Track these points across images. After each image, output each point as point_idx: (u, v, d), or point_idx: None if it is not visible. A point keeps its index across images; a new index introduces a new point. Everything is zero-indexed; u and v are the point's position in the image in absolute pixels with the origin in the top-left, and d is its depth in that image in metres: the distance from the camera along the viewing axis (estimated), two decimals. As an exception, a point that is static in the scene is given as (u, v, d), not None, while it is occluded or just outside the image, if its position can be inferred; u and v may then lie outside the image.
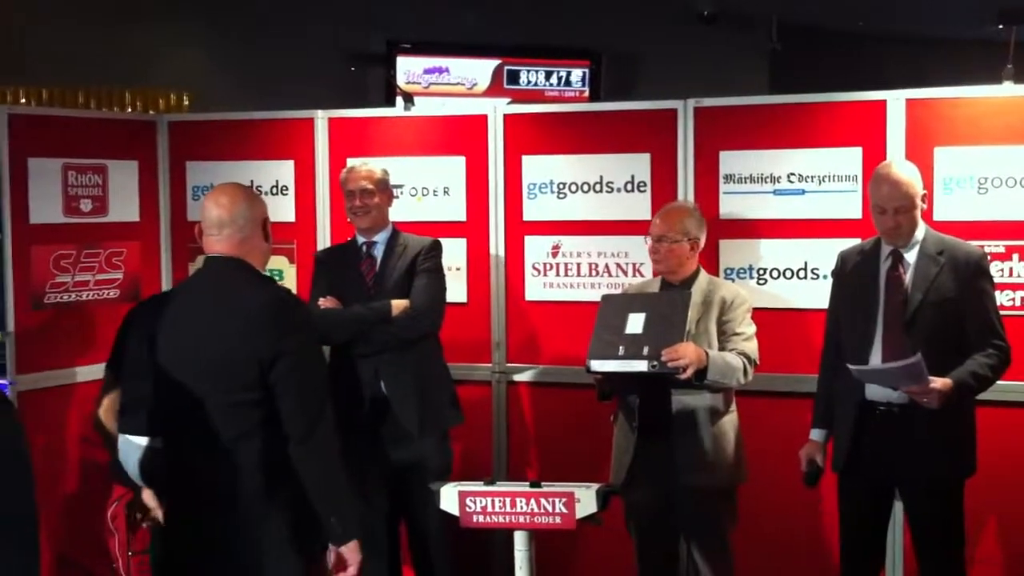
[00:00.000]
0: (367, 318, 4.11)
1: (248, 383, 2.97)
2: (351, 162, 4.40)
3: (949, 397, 3.52)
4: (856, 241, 4.10)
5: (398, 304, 4.13)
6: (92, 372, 4.76)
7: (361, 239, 4.32)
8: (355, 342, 4.14)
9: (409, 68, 8.15)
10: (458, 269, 4.75)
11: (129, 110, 6.98)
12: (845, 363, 3.66)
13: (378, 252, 4.28)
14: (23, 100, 6.72)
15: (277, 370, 2.95)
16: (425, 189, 4.85)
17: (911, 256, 3.73)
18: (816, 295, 4.28)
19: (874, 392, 3.69)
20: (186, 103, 7.33)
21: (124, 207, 5.00)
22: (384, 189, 4.30)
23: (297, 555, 3.03)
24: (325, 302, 4.19)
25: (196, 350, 3.02)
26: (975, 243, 3.87)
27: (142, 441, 3.65)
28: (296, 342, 3.01)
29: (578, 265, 4.69)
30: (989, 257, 3.83)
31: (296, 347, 3.00)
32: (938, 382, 3.52)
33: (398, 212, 4.58)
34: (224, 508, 3.00)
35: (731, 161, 4.48)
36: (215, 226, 3.10)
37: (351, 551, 3.03)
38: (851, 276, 3.85)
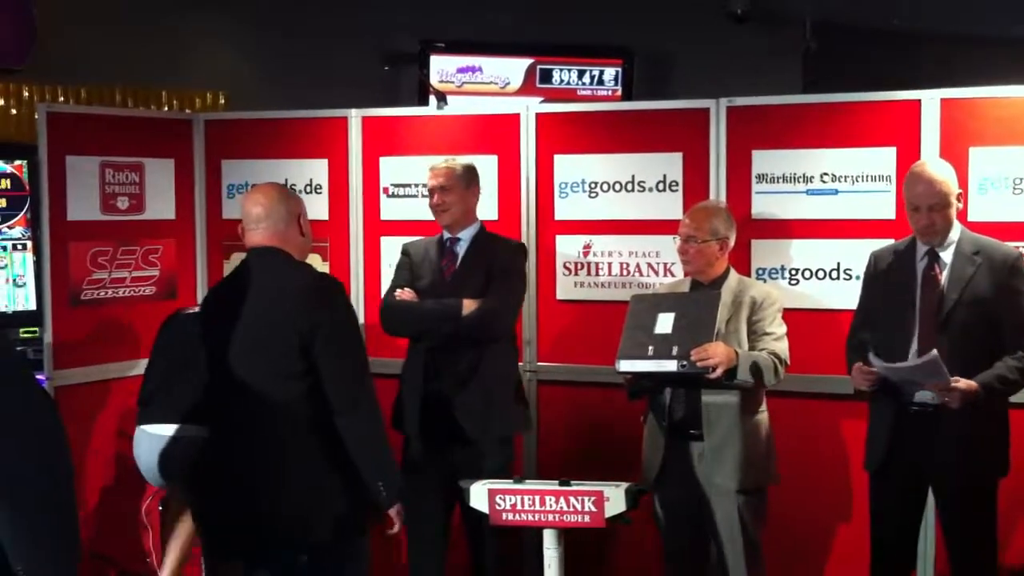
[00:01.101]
0: (437, 315, 4.08)
1: (292, 358, 3.21)
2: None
3: (973, 398, 3.51)
4: (889, 242, 4.08)
5: (469, 304, 4.07)
6: (127, 368, 4.82)
7: (446, 234, 4.28)
8: (424, 337, 4.14)
9: (442, 67, 8.16)
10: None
11: (166, 109, 7.04)
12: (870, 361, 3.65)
13: (460, 249, 4.24)
14: (61, 99, 6.79)
15: (317, 344, 3.21)
16: (457, 188, 4.85)
17: (947, 256, 3.72)
18: (848, 296, 4.25)
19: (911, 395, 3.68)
20: (222, 102, 7.38)
21: (160, 205, 5.05)
22: (467, 186, 4.25)
23: (345, 504, 3.27)
24: (402, 294, 4.18)
25: (243, 330, 3.28)
26: (1012, 244, 3.85)
27: (165, 431, 3.76)
28: (332, 317, 3.27)
29: (609, 265, 4.70)
30: (1024, 258, 3.80)
31: (333, 321, 3.26)
32: (962, 383, 3.51)
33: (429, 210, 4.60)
34: (272, 467, 3.24)
35: (764, 160, 4.47)
36: (254, 221, 3.38)
37: (396, 513, 3.33)
38: (886, 275, 3.84)
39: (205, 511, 3.54)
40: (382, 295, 4.42)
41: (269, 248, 3.36)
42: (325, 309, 3.28)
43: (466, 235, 4.26)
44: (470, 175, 4.28)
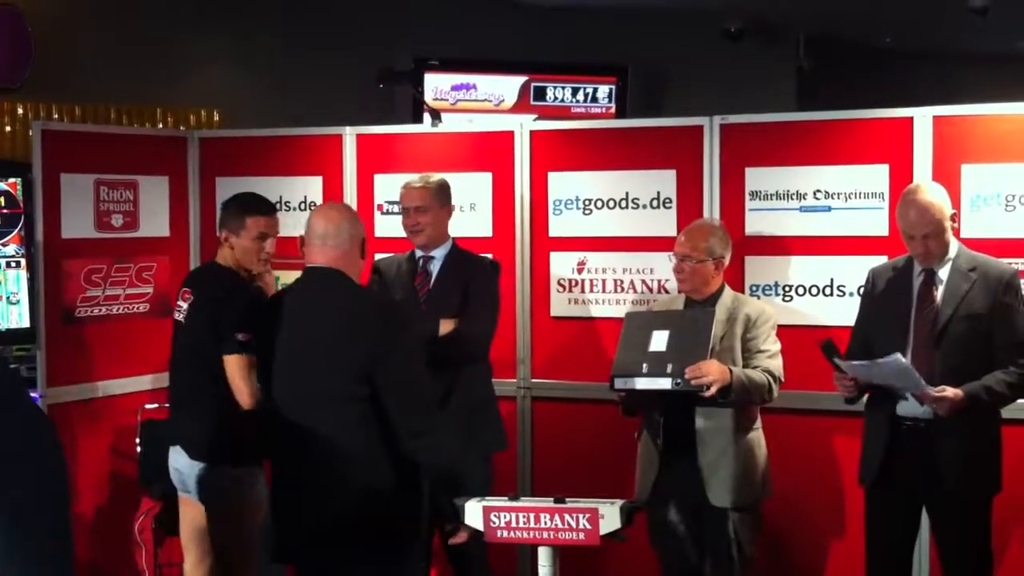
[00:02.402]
0: None
1: (357, 380, 3.19)
2: (407, 178, 4.34)
3: (959, 406, 3.54)
4: (883, 258, 4.09)
5: (446, 324, 4.04)
6: (121, 386, 4.82)
7: (419, 252, 4.25)
8: None
9: (437, 85, 8.19)
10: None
11: (160, 126, 7.06)
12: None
13: (434, 268, 4.20)
14: (56, 116, 6.80)
15: (385, 368, 3.18)
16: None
17: (943, 272, 3.73)
18: (842, 312, 4.27)
19: (903, 408, 3.69)
20: (216, 120, 7.40)
21: (155, 222, 5.05)
22: (442, 204, 4.22)
23: (404, 526, 3.31)
24: None
25: (306, 353, 3.27)
26: (1007, 261, 3.86)
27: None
28: (401, 341, 3.26)
29: (603, 281, 4.70)
30: (1020, 275, 3.81)
31: (401, 346, 3.25)
32: (948, 391, 3.52)
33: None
34: (326, 493, 3.24)
35: (757, 178, 4.48)
36: (319, 237, 3.34)
37: (465, 528, 3.33)
38: (883, 293, 3.85)
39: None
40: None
41: (330, 269, 3.32)
42: (395, 335, 3.26)
43: (439, 253, 4.22)
44: (445, 193, 4.25)
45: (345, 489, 3.24)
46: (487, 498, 3.47)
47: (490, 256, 4.55)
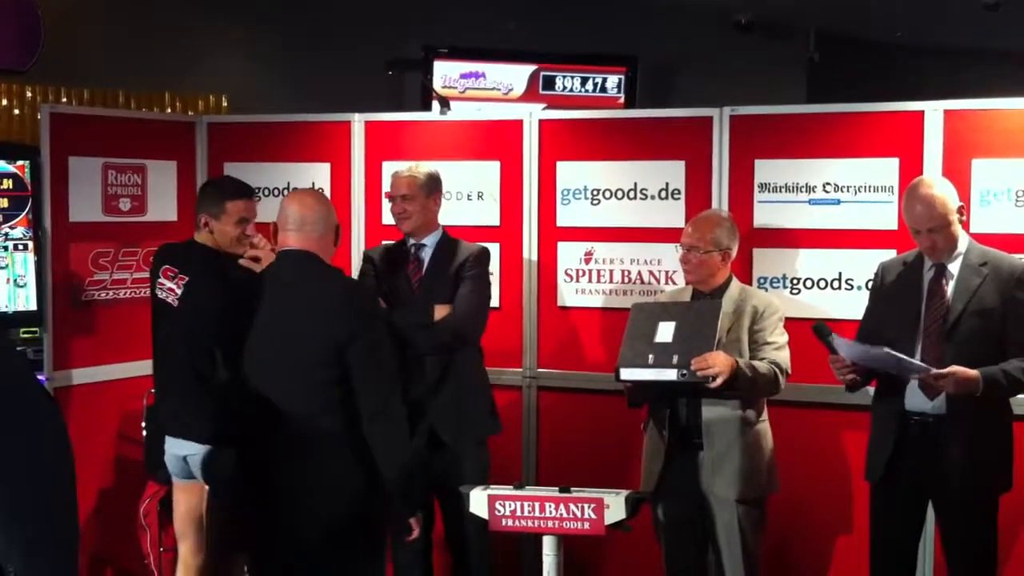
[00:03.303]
0: (407, 321, 4.10)
1: (327, 362, 3.25)
2: (398, 167, 4.39)
3: (972, 387, 3.50)
4: (892, 252, 4.08)
5: (440, 310, 4.10)
6: (127, 370, 4.82)
7: (411, 240, 4.29)
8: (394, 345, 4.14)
9: (445, 73, 8.17)
10: (491, 274, 4.76)
11: (168, 111, 7.04)
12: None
13: (426, 255, 4.25)
14: (64, 100, 6.79)
15: (352, 350, 3.24)
16: (459, 193, 4.85)
17: (954, 267, 3.71)
18: (850, 306, 4.25)
19: (912, 403, 3.67)
20: (225, 105, 7.38)
21: (162, 207, 5.05)
22: (429, 194, 4.25)
23: (370, 517, 3.33)
24: None
25: (280, 335, 3.34)
26: (1019, 256, 3.85)
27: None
28: (369, 325, 3.31)
29: (611, 272, 4.69)
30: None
31: (368, 329, 3.30)
32: (959, 369, 3.50)
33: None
34: (306, 467, 3.29)
35: (766, 170, 4.47)
36: (295, 222, 3.39)
37: (415, 521, 3.40)
38: (893, 287, 3.83)
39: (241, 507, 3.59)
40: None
41: (304, 252, 3.38)
42: (362, 319, 3.31)
43: (430, 241, 4.27)
44: (432, 183, 4.28)
45: (314, 475, 3.28)
46: (492, 486, 3.48)
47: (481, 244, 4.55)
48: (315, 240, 3.39)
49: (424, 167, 4.32)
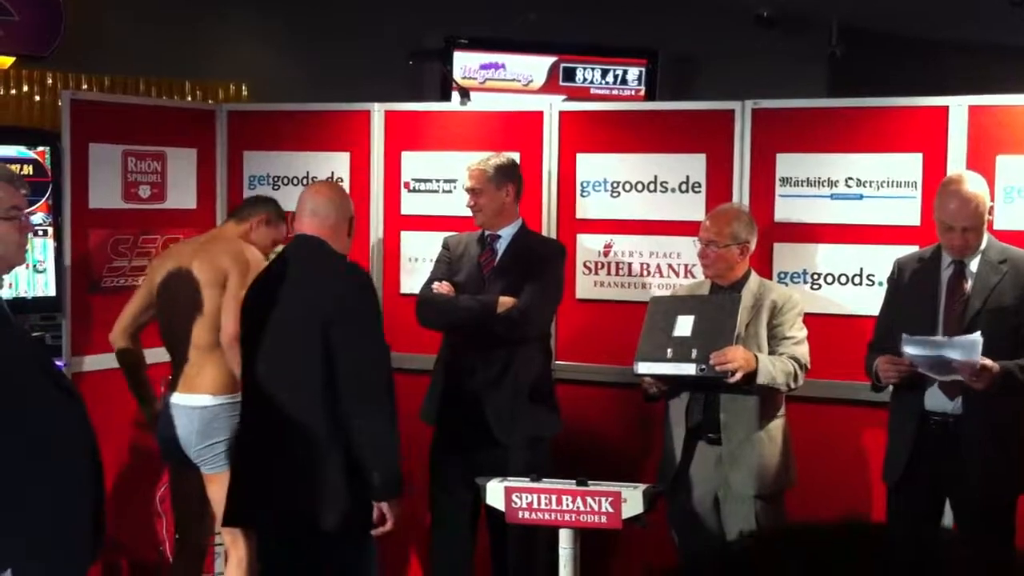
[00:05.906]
0: (471, 310, 4.06)
1: (314, 342, 3.30)
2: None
3: (998, 379, 3.47)
4: (914, 248, 4.04)
5: (505, 301, 4.05)
6: (145, 356, 4.82)
7: (487, 230, 4.27)
8: (458, 333, 4.12)
9: (466, 63, 8.14)
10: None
11: (189, 99, 7.04)
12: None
13: (500, 246, 4.23)
14: (85, 87, 6.80)
15: (337, 332, 3.29)
16: (479, 184, 4.83)
17: (974, 265, 3.68)
18: (871, 302, 4.22)
19: (931, 402, 3.64)
20: (245, 94, 7.38)
21: (182, 194, 5.05)
22: (499, 186, 4.19)
23: (352, 499, 3.32)
24: (439, 287, 4.17)
25: (275, 312, 3.42)
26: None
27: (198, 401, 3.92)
28: (358, 309, 3.35)
29: (630, 265, 4.67)
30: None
31: (356, 313, 3.34)
32: (990, 363, 3.46)
33: (452, 206, 4.59)
34: (289, 450, 3.35)
35: (788, 164, 4.44)
36: (310, 210, 3.50)
37: (387, 509, 3.33)
38: (910, 284, 3.80)
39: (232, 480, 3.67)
40: (401, 290, 4.40)
41: (314, 237, 3.46)
42: (350, 303, 3.34)
43: (506, 233, 4.24)
44: (501, 175, 4.22)
45: (300, 473, 3.33)
46: (509, 479, 3.47)
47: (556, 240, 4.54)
48: (326, 227, 3.49)
49: (497, 158, 4.28)
